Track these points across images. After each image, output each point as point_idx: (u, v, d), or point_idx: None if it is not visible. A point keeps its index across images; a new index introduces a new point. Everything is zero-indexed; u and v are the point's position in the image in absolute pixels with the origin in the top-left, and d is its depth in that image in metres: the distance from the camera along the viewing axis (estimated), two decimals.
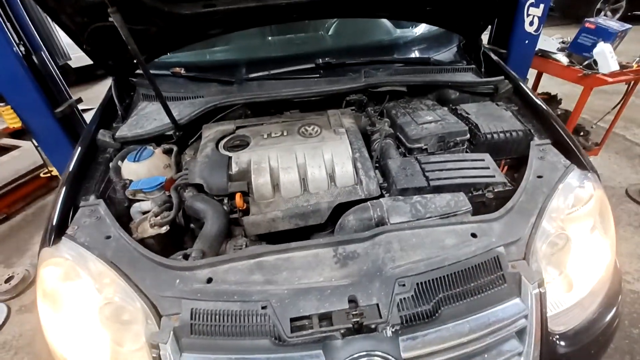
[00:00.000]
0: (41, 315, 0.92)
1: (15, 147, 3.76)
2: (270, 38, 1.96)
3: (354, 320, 0.78)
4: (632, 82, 2.54)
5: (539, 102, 1.36)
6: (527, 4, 2.34)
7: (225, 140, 1.30)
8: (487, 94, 1.52)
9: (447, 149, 1.27)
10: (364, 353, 0.76)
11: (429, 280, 0.83)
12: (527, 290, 0.84)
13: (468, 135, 1.27)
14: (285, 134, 1.29)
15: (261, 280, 0.87)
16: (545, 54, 2.73)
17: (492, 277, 0.86)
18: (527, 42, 2.50)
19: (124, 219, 1.16)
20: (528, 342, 0.84)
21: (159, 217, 1.10)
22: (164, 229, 1.08)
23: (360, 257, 0.89)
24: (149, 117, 1.45)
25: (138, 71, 1.61)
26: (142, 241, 1.06)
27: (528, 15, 2.39)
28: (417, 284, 0.83)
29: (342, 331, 0.78)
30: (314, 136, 1.27)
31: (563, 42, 2.81)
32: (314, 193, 1.15)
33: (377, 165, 1.25)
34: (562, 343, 0.90)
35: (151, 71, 1.66)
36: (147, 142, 1.37)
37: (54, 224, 1.02)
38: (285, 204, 1.13)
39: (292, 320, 0.80)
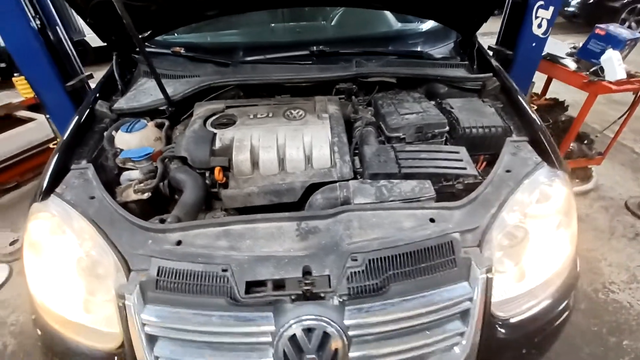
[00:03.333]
0: (25, 263, 1.00)
1: (31, 120, 3.93)
2: (272, 25, 2.01)
3: (305, 288, 0.84)
4: None
5: (522, 100, 1.37)
6: (536, 5, 2.31)
7: (213, 118, 1.36)
8: (475, 91, 1.53)
9: (425, 140, 1.30)
10: (311, 317, 0.81)
11: (381, 258, 0.87)
12: (475, 275, 0.88)
13: (447, 128, 1.30)
14: (270, 115, 1.34)
15: (225, 246, 0.92)
16: (553, 58, 2.70)
17: (443, 260, 0.89)
18: (534, 44, 2.47)
19: (114, 185, 1.24)
20: (470, 323, 0.87)
21: (142, 184, 1.17)
22: (145, 196, 1.15)
23: (321, 232, 0.94)
24: (146, 92, 1.52)
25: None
26: (125, 205, 1.13)
27: (537, 17, 2.37)
28: (369, 260, 0.87)
29: (292, 297, 0.84)
30: (297, 119, 1.32)
31: (574, 48, 2.76)
32: (291, 173, 1.20)
33: (356, 151, 1.29)
34: (504, 329, 0.93)
35: (153, 49, 1.74)
36: (142, 115, 1.45)
37: (45, 182, 1.10)
38: (262, 180, 1.18)
39: (248, 283, 0.85)
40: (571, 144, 2.74)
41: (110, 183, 1.24)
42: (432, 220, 0.96)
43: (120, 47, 1.60)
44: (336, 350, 0.81)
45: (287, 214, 0.98)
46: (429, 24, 1.93)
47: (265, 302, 0.84)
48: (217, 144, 1.24)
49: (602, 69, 2.40)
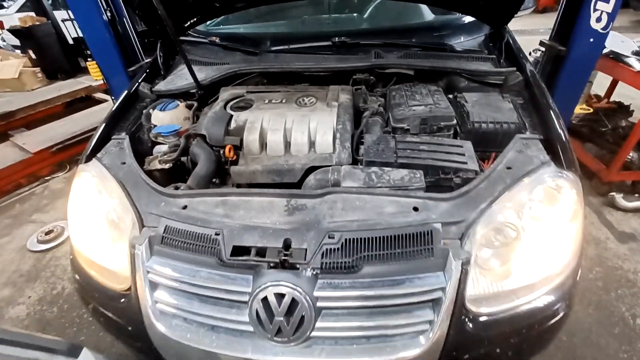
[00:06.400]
0: (68, 213, 1.21)
1: (106, 101, 4.50)
2: (306, 17, 2.09)
3: (283, 258, 0.92)
4: None
5: (545, 97, 1.29)
6: None
7: (234, 101, 1.48)
8: (497, 85, 1.47)
9: (430, 133, 1.29)
10: (284, 283, 0.89)
11: (356, 238, 0.92)
12: (450, 266, 0.88)
13: (454, 122, 1.27)
14: (284, 101, 1.42)
15: (222, 213, 1.03)
16: (617, 57, 2.42)
17: (420, 248, 0.91)
18: (591, 40, 2.24)
19: (147, 155, 1.43)
20: (440, 313, 0.88)
21: (166, 156, 1.33)
22: (167, 166, 1.30)
23: (307, 210, 1.01)
24: (182, 76, 1.70)
25: (183, 37, 1.86)
26: (150, 173, 1.30)
27: (595, 10, 2.14)
28: (346, 239, 0.92)
29: (271, 264, 0.92)
30: (307, 106, 1.39)
31: None
32: (295, 155, 1.28)
33: (362, 139, 1.33)
34: (476, 324, 0.92)
35: (194, 38, 1.92)
36: (176, 96, 1.62)
37: (90, 148, 1.32)
38: (268, 160, 1.28)
39: (235, 247, 0.96)
40: (630, 154, 2.45)
41: (145, 153, 1.42)
42: (415, 208, 0.98)
43: (164, 35, 1.80)
44: (303, 317, 0.88)
45: (279, 191, 1.07)
46: (461, 16, 1.87)
47: (246, 266, 0.93)
48: (232, 125, 1.36)
49: None
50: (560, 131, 1.15)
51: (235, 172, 1.28)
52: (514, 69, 1.44)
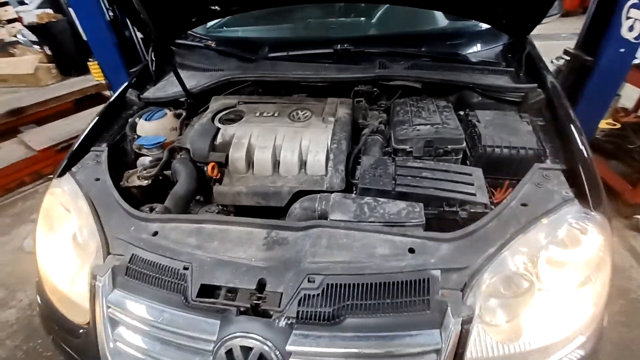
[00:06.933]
0: (37, 230, 1.12)
1: None
2: (310, 20, 1.97)
3: (255, 302, 0.80)
4: None
5: (570, 119, 1.13)
6: (628, 5, 1.90)
7: (223, 113, 1.37)
8: (515, 103, 1.31)
9: (436, 156, 1.15)
10: (252, 335, 0.77)
11: (341, 284, 0.79)
12: (448, 324, 0.75)
13: (463, 145, 1.13)
14: (276, 114, 1.31)
15: (194, 243, 0.92)
16: None
17: (414, 299, 0.78)
18: (622, 50, 2.05)
19: (131, 169, 1.33)
20: None
21: (145, 171, 1.23)
22: (145, 182, 1.20)
23: (288, 245, 0.89)
24: (174, 83, 1.59)
25: (178, 41, 1.77)
26: (127, 190, 1.20)
27: (628, 18, 1.95)
28: (328, 284, 0.79)
29: (241, 309, 0.80)
30: (301, 121, 1.27)
31: None
32: (284, 176, 1.16)
33: (359, 160, 1.20)
34: None
35: (188, 42, 1.82)
36: (166, 105, 1.52)
37: (65, 161, 1.23)
38: (254, 181, 1.17)
39: (203, 285, 0.84)
40: None
41: (129, 166, 1.33)
42: (411, 250, 0.84)
43: (155, 39, 1.70)
44: None
45: (260, 221, 0.95)
46: (477, 24, 1.70)
47: (213, 309, 0.82)
48: (219, 139, 1.25)
49: None
50: (586, 160, 0.99)
51: (218, 192, 1.17)
52: (535, 85, 1.28)
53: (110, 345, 0.89)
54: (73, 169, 1.19)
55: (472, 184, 1.01)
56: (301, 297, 0.79)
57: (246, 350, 0.76)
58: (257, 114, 1.32)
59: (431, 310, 0.77)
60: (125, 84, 1.58)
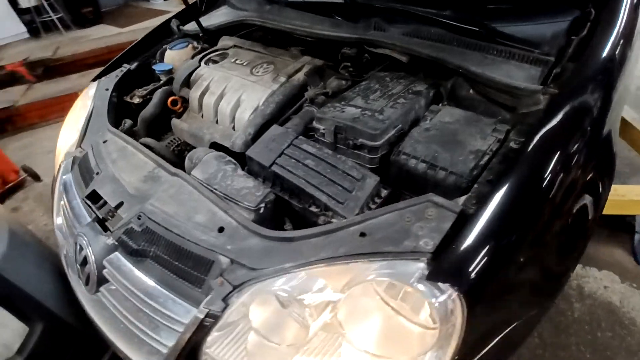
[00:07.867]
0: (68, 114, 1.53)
1: None
2: None
3: (103, 216, 0.96)
4: None
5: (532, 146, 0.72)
6: None
7: (212, 54, 1.44)
8: (510, 109, 0.90)
9: (345, 147, 0.95)
10: (86, 239, 0.93)
11: (154, 231, 0.86)
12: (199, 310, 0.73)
13: (377, 143, 0.89)
14: (245, 64, 1.29)
15: (114, 157, 1.11)
16: None
17: (195, 274, 0.79)
18: None
19: None
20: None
21: (141, 90, 1.46)
22: (137, 100, 1.44)
23: (156, 184, 0.98)
24: (212, 18, 1.73)
25: None
26: (128, 103, 1.47)
27: None
28: (147, 227, 0.87)
29: (100, 217, 0.98)
30: (257, 75, 1.22)
31: None
32: (219, 125, 1.20)
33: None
34: None
35: None
36: (194, 37, 1.69)
37: (102, 69, 1.57)
38: (195, 123, 1.25)
39: (93, 191, 1.04)
40: None
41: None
42: (221, 229, 0.81)
43: None
44: (89, 275, 0.92)
45: (154, 156, 1.05)
46: None
47: (88, 210, 1.02)
48: (192, 77, 1.35)
49: None
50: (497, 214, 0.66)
51: (173, 124, 1.31)
52: (540, 87, 0.84)
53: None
54: (99, 75, 1.53)
55: (352, 191, 0.83)
56: (128, 228, 0.89)
57: (80, 249, 0.95)
58: (233, 60, 1.34)
59: (202, 290, 0.76)
60: (175, 12, 1.80)
